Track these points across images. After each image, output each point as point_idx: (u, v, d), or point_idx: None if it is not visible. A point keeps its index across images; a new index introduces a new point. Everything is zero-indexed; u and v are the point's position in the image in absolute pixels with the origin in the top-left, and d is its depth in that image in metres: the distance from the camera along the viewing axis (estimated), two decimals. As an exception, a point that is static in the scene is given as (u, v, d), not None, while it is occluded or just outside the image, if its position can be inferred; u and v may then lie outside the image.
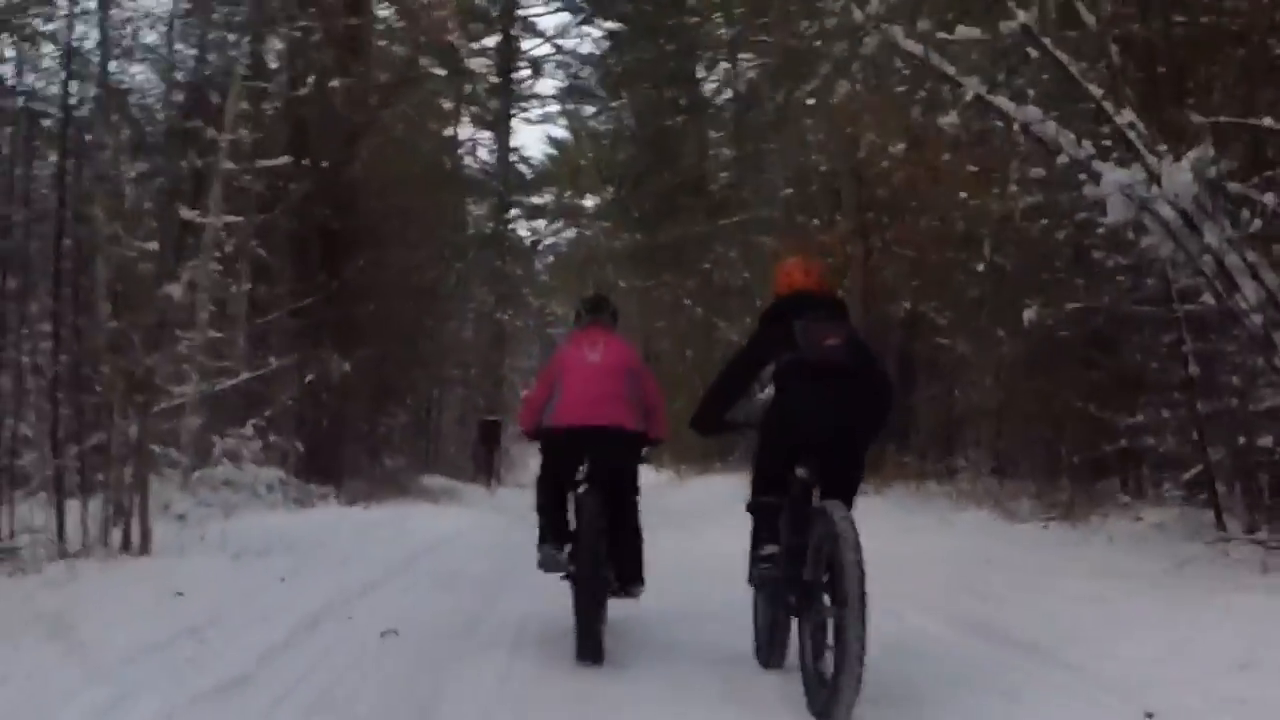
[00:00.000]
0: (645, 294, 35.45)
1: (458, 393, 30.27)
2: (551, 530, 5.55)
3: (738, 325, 25.92)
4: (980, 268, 11.38)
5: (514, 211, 35.52)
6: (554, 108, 37.76)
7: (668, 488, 23.85)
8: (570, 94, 36.55)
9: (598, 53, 34.51)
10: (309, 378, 13.65)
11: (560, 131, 38.92)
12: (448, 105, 30.16)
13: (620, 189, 33.30)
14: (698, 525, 12.16)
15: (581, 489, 5.41)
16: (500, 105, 34.34)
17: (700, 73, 33.50)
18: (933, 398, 16.16)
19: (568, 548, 5.40)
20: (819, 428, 4.56)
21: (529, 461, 7.51)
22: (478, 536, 11.92)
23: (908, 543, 8.72)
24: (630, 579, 5.53)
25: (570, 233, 41.24)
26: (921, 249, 13.13)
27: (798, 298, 4.87)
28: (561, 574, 5.43)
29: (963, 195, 10.55)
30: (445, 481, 23.33)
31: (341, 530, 10.18)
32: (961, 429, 16.02)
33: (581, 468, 5.51)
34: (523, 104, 36.25)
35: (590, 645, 5.09)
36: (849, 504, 4.49)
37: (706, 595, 6.70)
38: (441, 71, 29.32)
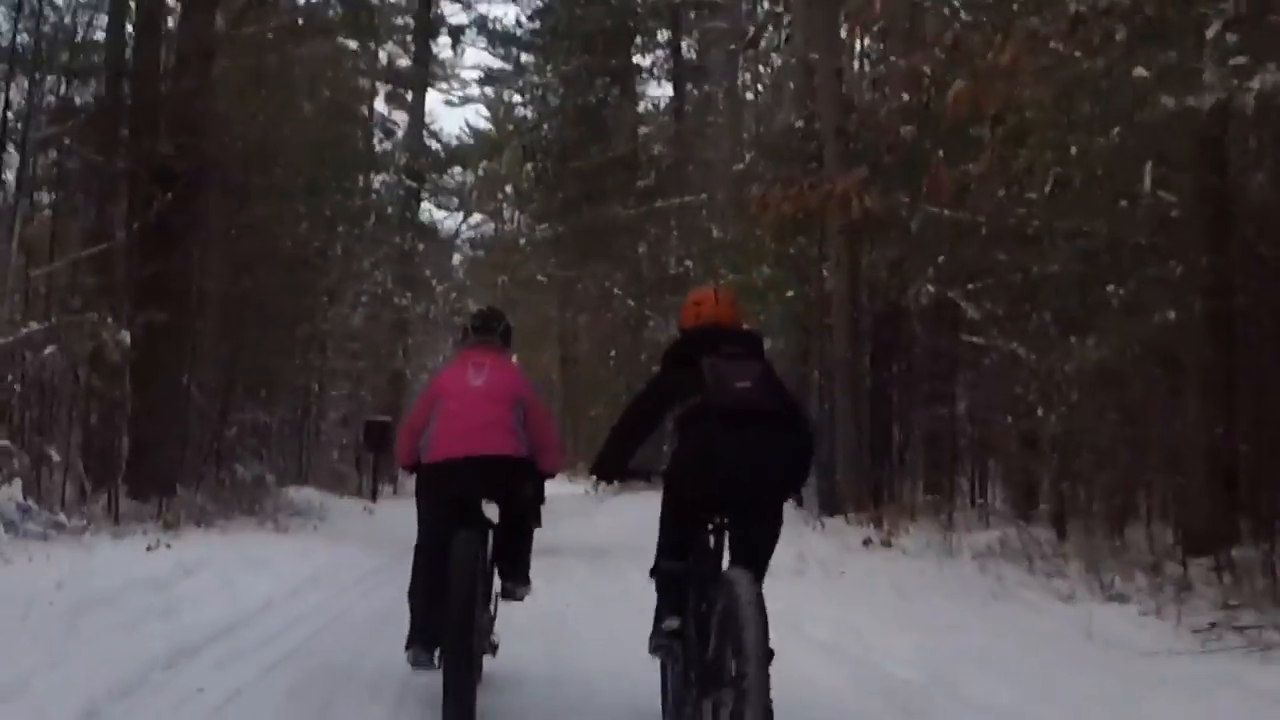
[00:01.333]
0: (568, 286, 31.86)
1: (344, 388, 25.99)
2: (421, 628, 4.75)
3: (675, 319, 22.33)
4: (1126, 207, 7.25)
5: (425, 188, 31.78)
6: (474, 90, 34.56)
7: (581, 506, 20.19)
8: (492, 74, 33.48)
9: (524, 19, 31.14)
10: (48, 349, 9.15)
11: (483, 122, 36.08)
12: (363, 84, 28.00)
13: (544, 168, 29.71)
14: (618, 561, 10.18)
15: (458, 535, 4.70)
16: (416, 72, 30.46)
17: (637, 41, 30.20)
18: (944, 416, 12.30)
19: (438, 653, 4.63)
20: (728, 481, 4.04)
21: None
22: (305, 607, 7.49)
23: (1074, 699, 4.78)
24: (515, 579, 5.14)
25: (489, 228, 39.05)
26: (971, 203, 9.13)
27: (706, 332, 4.37)
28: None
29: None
30: (317, 495, 19.39)
31: (40, 610, 5.89)
32: (979, 457, 12.20)
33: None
34: (442, 85, 33.10)
35: (460, 716, 4.39)
36: (762, 568, 4.04)
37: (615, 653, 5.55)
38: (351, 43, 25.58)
